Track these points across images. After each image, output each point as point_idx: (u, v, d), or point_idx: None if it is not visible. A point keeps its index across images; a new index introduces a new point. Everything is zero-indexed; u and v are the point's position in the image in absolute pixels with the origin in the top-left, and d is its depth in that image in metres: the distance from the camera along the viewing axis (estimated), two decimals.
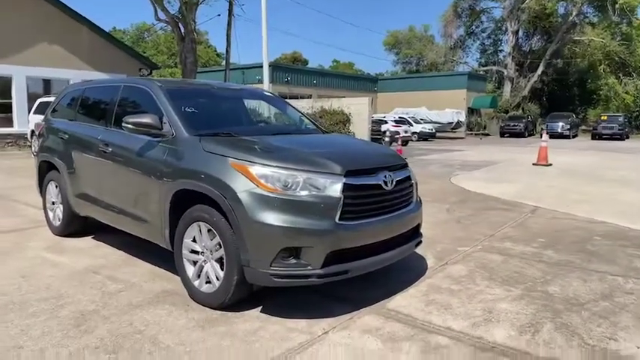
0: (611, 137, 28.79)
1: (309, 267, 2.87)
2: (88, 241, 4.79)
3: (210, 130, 3.57)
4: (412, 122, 26.94)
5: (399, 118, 26.35)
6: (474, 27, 42.93)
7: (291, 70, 30.92)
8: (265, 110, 4.73)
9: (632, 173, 11.06)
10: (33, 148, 13.92)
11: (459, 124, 31.27)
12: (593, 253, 4.54)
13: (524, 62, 39.11)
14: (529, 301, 3.35)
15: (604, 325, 2.98)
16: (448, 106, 31.90)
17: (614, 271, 3.99)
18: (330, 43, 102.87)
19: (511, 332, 2.87)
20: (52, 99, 13.41)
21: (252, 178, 2.92)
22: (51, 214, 5.09)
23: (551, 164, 12.17)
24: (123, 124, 3.54)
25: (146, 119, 3.49)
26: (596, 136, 29.37)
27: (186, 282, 3.32)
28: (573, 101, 41.97)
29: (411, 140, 24.19)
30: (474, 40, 44.36)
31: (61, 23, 17.13)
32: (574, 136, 31.53)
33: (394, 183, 3.26)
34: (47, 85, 17.37)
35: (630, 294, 3.49)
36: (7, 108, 16.42)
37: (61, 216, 4.90)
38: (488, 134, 34.44)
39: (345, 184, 2.95)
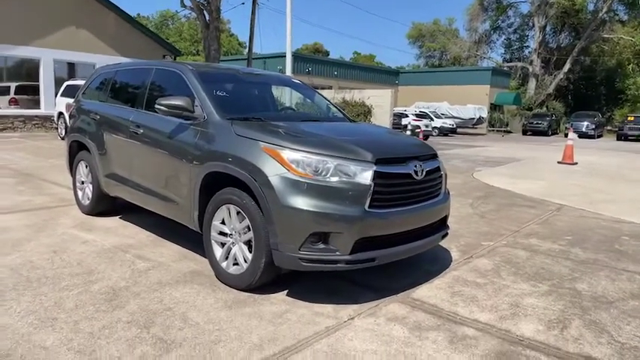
0: (637, 138, 28.10)
1: (338, 252, 2.88)
2: (115, 221, 4.88)
3: (240, 115, 3.59)
4: (433, 117, 26.68)
5: (420, 112, 26.10)
6: (499, 21, 42.12)
7: (312, 60, 30.81)
8: (293, 97, 4.74)
9: None
10: (59, 130, 14.21)
11: (480, 120, 30.84)
12: (621, 252, 4.46)
13: (551, 59, 38.30)
14: (557, 298, 3.31)
15: (633, 324, 2.93)
16: (470, 102, 31.47)
17: None
18: (351, 34, 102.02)
19: (539, 327, 2.85)
20: (79, 82, 13.66)
21: (284, 163, 2.93)
22: (80, 194, 5.19)
23: (576, 163, 11.95)
24: (156, 106, 3.58)
25: (178, 101, 3.53)
26: (622, 137, 28.68)
27: (214, 263, 3.36)
28: (599, 100, 41.03)
29: (432, 135, 23.93)
30: (499, 35, 43.60)
31: (88, 8, 17.33)
32: (599, 136, 30.85)
33: (424, 173, 3.25)
34: (73, 68, 17.63)
35: None
36: (35, 90, 16.72)
37: (90, 195, 5.00)
38: (510, 131, 33.91)
39: (375, 171, 2.94)
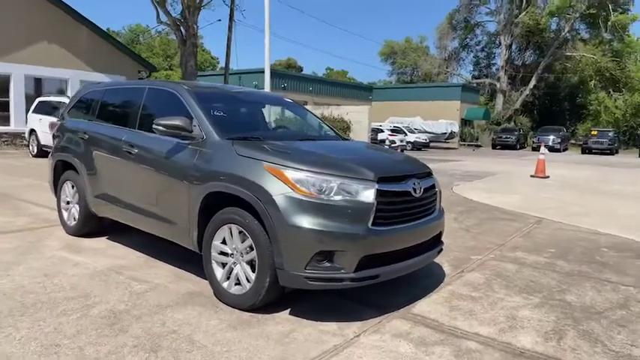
0: (601, 152, 29.32)
1: (343, 270, 2.93)
2: (104, 242, 4.79)
3: (239, 134, 3.62)
4: (407, 132, 27.20)
5: (395, 127, 26.58)
6: (468, 39, 43.60)
7: (287, 76, 31.03)
8: (285, 116, 4.80)
9: (627, 187, 11.29)
10: (31, 148, 13.82)
11: (452, 134, 31.62)
12: (603, 263, 4.65)
13: (517, 76, 39.74)
14: (549, 309, 3.44)
15: (624, 333, 3.08)
16: (442, 117, 32.26)
17: (626, 282, 4.10)
18: (324, 50, 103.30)
19: (537, 339, 2.95)
20: (52, 98, 13.38)
21: (288, 182, 2.98)
22: (65, 214, 5.08)
23: (548, 176, 12.37)
24: (154, 126, 3.58)
25: (177, 122, 3.53)
26: (586, 150, 29.87)
27: (215, 283, 3.35)
28: (563, 115, 42.67)
29: (406, 149, 24.37)
30: (467, 53, 45.09)
31: (61, 23, 17.04)
32: (564, 150, 32.03)
33: (422, 190, 3.34)
34: (42, 84, 17.21)
35: None
36: (4, 106, 16.25)
37: (76, 216, 4.90)
38: (480, 145, 34.83)
39: (377, 190, 3.02)
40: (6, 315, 3.01)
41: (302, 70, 55.15)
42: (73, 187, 4.93)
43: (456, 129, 32.14)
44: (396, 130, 25.46)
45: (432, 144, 29.70)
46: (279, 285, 3.05)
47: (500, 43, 40.31)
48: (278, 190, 2.97)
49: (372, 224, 2.98)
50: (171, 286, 3.64)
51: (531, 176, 12.56)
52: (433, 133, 30.61)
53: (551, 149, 30.21)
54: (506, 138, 32.98)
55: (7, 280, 3.62)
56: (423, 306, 3.43)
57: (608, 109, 36.73)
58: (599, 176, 13.97)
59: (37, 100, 13.89)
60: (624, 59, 36.86)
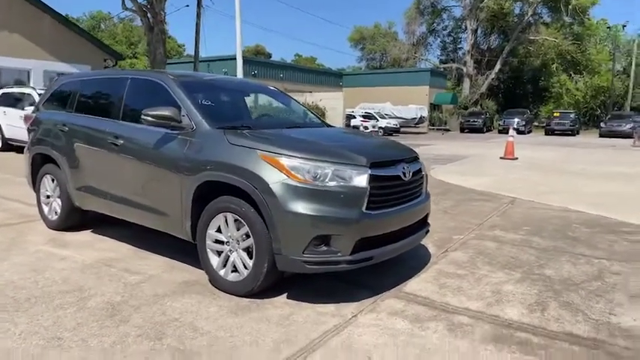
0: (563, 133, 30.40)
1: (339, 254, 3.02)
2: (89, 235, 4.73)
3: (228, 124, 3.63)
4: (378, 117, 27.45)
5: (366, 113, 26.78)
6: (435, 25, 44.08)
7: (258, 63, 30.75)
8: (269, 103, 4.82)
9: (590, 167, 11.81)
10: None
11: (422, 119, 32.10)
12: (575, 239, 4.92)
13: (482, 60, 40.54)
14: (531, 283, 3.64)
15: (602, 302, 3.30)
16: (411, 102, 32.65)
17: (599, 255, 4.37)
18: (293, 36, 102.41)
19: (522, 310, 3.14)
20: (16, 90, 12.85)
21: (283, 169, 3.03)
22: (46, 209, 4.98)
23: (517, 158, 12.81)
24: (142, 117, 3.55)
25: (166, 112, 3.52)
26: (550, 132, 30.88)
27: (211, 271, 3.39)
28: (527, 98, 43.91)
29: (378, 134, 24.63)
30: (435, 38, 45.66)
31: (21, 11, 16.32)
32: (529, 132, 33.00)
33: (411, 174, 3.46)
34: (1, 75, 16.49)
35: (617, 275, 3.85)
36: None
37: (58, 210, 4.81)
38: (449, 129, 35.49)
39: (370, 175, 3.11)
40: (0, 310, 2.97)
41: (271, 57, 54.65)
42: (53, 180, 4.83)
43: (426, 114, 32.63)
44: (367, 116, 25.65)
45: (402, 129, 30.07)
46: (277, 270, 3.12)
47: (466, 27, 40.96)
48: (274, 178, 3.02)
49: (366, 208, 3.08)
50: (166, 276, 3.66)
51: (501, 158, 12.97)
52: (403, 119, 30.98)
53: (517, 131, 31.04)
54: (474, 122, 33.70)
55: None
56: (414, 285, 3.57)
57: (569, 91, 38.03)
58: (563, 157, 14.54)
59: (0, 91, 13.31)
60: (584, 42, 38.12)
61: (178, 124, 3.57)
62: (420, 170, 3.72)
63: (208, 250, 3.41)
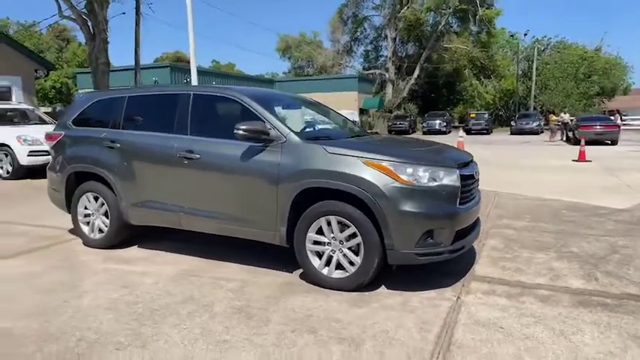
0: (479, 132, 33.26)
1: (442, 245, 3.47)
2: (139, 251, 4.71)
3: (309, 135, 3.94)
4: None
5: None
6: (358, 33, 45.87)
7: (189, 71, 29.99)
8: (316, 115, 5.15)
9: (523, 160, 13.35)
10: None
11: (354, 123, 33.27)
12: (572, 222, 5.78)
13: (403, 66, 42.91)
14: (569, 260, 4.33)
15: (632, 269, 4.06)
16: (342, 107, 33.60)
17: (600, 233, 5.22)
18: (210, 41, 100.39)
19: (581, 281, 3.79)
20: None
21: (390, 173, 3.42)
22: (86, 228, 4.86)
23: None
24: (235, 131, 3.71)
25: (258, 126, 3.75)
26: (469, 132, 33.57)
27: (313, 271, 3.67)
28: (443, 101, 47.21)
29: None
30: (358, 46, 47.41)
31: None
32: (449, 132, 35.59)
33: (477, 174, 4.01)
34: None
35: (627, 247, 4.68)
36: None
37: (103, 227, 4.74)
38: (377, 132, 37.10)
39: (459, 174, 3.60)
40: (140, 325, 3.04)
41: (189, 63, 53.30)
42: (96, 198, 4.75)
43: (357, 118, 33.92)
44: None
45: None
46: (383, 264, 3.50)
47: (386, 36, 43.14)
48: (383, 182, 3.40)
49: (458, 204, 3.57)
50: (259, 280, 3.85)
51: None
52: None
53: (438, 132, 33.48)
54: (400, 124, 35.63)
55: (91, 297, 3.54)
56: (481, 270, 4.11)
57: (480, 94, 41.61)
58: (494, 154, 16.12)
59: None
60: (491, 49, 41.90)
61: (267, 137, 3.80)
62: (477, 171, 4.28)
63: (308, 252, 3.69)
